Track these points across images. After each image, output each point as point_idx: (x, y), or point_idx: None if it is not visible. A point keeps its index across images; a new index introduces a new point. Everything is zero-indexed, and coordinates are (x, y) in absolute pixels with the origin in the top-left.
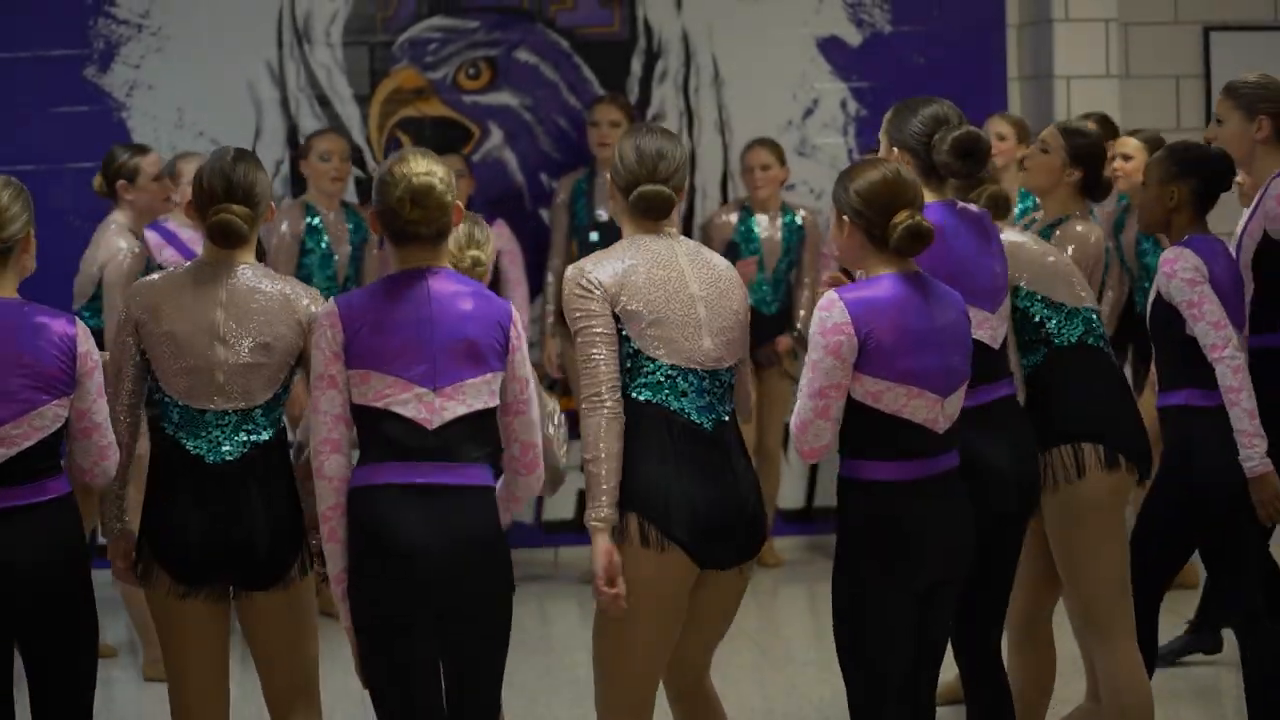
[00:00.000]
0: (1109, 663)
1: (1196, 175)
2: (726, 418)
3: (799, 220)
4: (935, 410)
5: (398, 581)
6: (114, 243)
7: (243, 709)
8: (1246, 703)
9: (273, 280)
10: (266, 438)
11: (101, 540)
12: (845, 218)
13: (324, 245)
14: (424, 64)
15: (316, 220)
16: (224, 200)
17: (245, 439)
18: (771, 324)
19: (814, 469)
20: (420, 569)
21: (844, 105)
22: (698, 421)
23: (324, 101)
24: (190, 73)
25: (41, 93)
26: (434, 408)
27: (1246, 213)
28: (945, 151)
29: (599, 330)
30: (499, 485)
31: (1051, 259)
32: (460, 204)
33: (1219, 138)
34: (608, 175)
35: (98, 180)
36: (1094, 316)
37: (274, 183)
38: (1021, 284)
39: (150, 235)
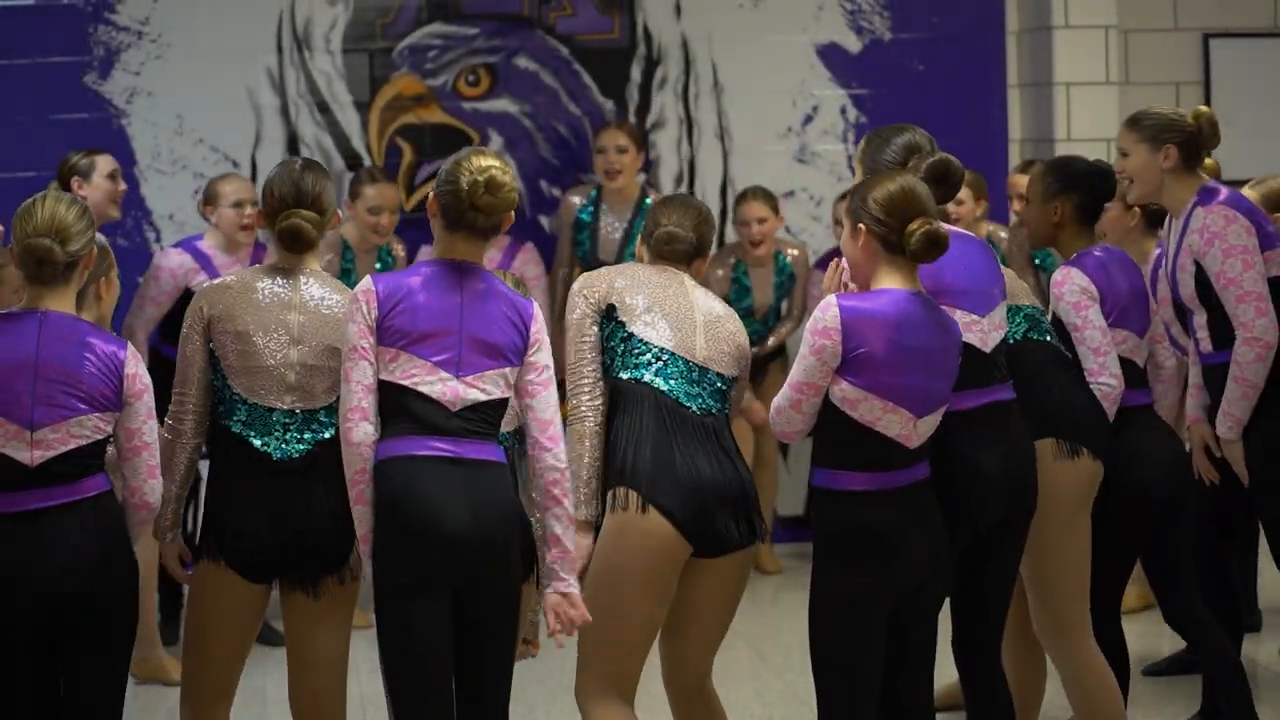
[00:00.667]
0: (1074, 664)
1: (1077, 189)
2: (717, 414)
3: (789, 261)
4: (908, 427)
5: (419, 544)
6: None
7: (241, 714)
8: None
9: (338, 289)
10: (329, 435)
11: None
12: (862, 226)
13: (351, 283)
14: (424, 71)
15: (349, 263)
16: (293, 206)
17: (311, 436)
18: (763, 360)
19: None
20: (445, 530)
21: (844, 112)
22: (686, 405)
23: (324, 108)
24: (190, 80)
25: (41, 99)
26: (456, 392)
27: (1172, 242)
28: (919, 178)
29: (589, 340)
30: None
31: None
32: (512, 215)
33: (1125, 169)
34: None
35: (53, 185)
36: (1035, 312)
37: None
38: None
39: (183, 258)
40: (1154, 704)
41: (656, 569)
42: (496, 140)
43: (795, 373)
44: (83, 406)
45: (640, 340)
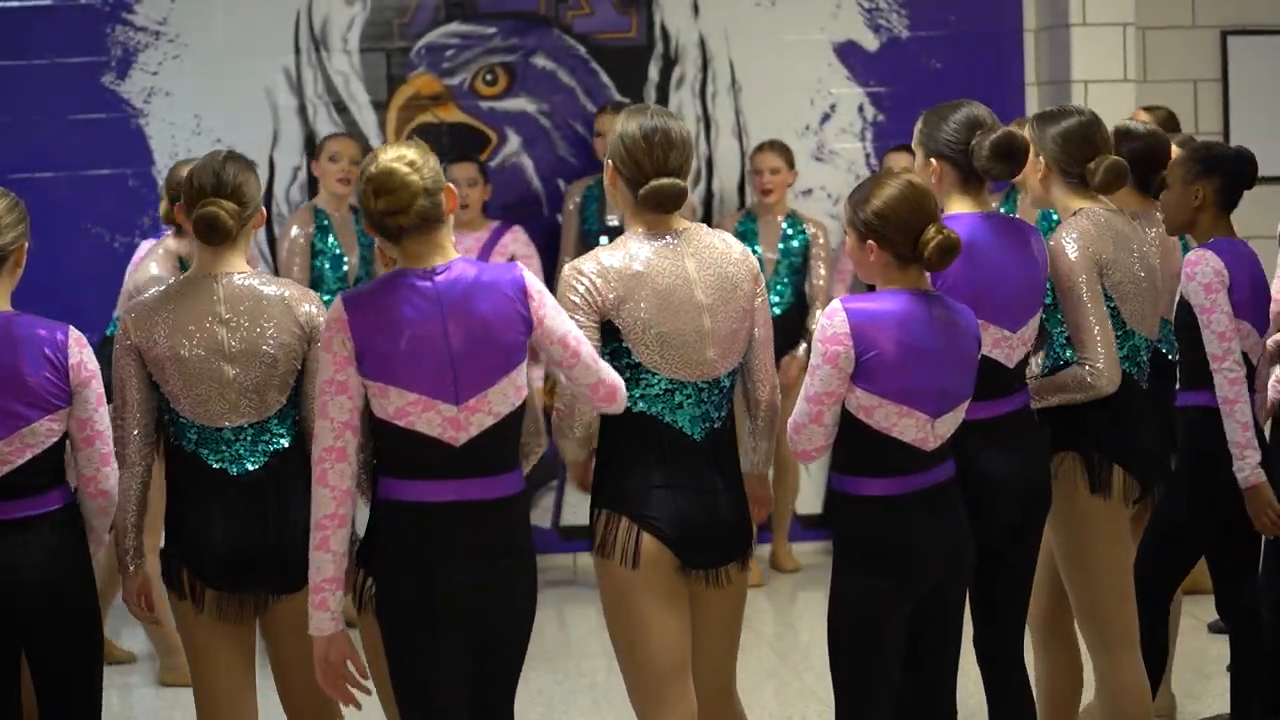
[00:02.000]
0: (1107, 669)
1: (1220, 173)
2: (719, 424)
3: (804, 231)
4: (925, 430)
5: (427, 599)
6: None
7: None
8: (1231, 694)
9: (267, 283)
10: (285, 444)
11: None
12: (871, 242)
13: (334, 248)
14: (441, 70)
15: (326, 223)
16: (213, 196)
17: (265, 448)
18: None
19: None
20: (449, 587)
21: (861, 110)
22: (689, 433)
23: (341, 108)
24: (208, 80)
25: (59, 100)
26: (459, 424)
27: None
28: (985, 156)
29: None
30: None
31: (1148, 281)
32: (453, 188)
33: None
34: (610, 190)
35: (163, 207)
36: (1141, 343)
37: (291, 189)
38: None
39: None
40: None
41: (656, 583)
42: (514, 139)
43: (810, 385)
44: (35, 413)
45: (648, 371)
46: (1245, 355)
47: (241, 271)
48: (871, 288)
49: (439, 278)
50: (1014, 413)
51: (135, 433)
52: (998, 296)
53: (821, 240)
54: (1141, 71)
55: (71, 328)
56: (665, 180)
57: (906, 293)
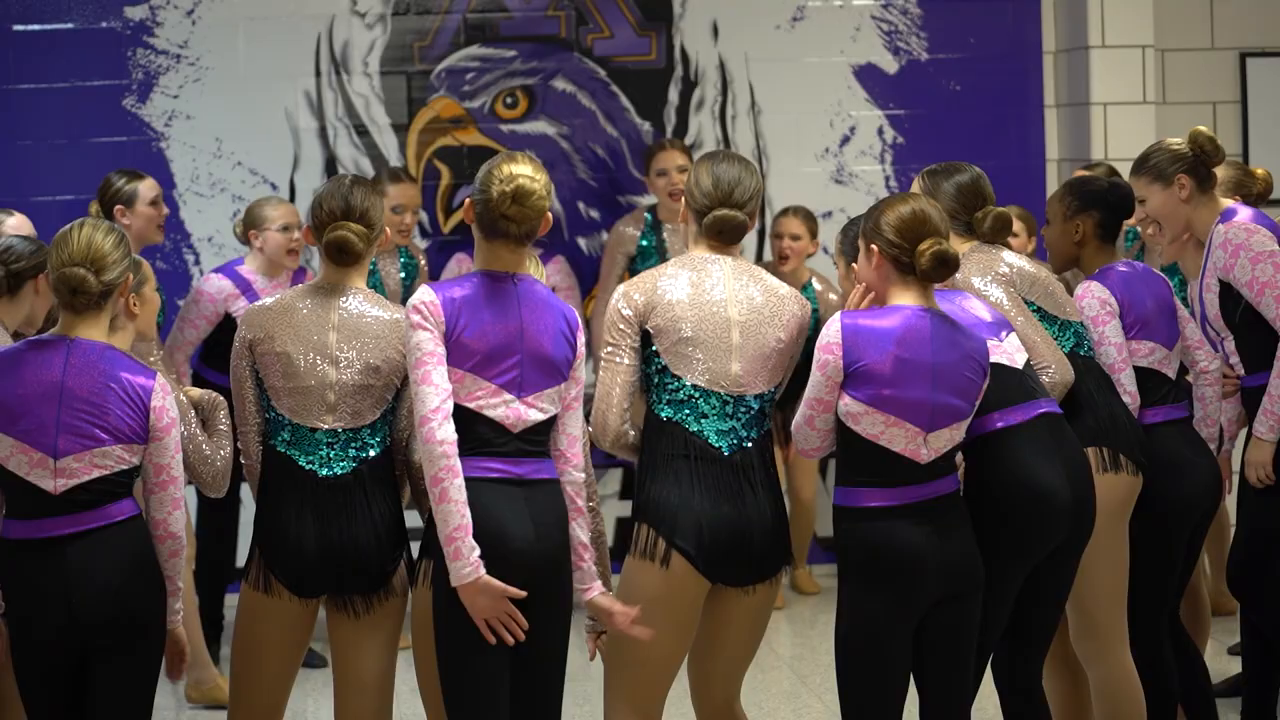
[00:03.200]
0: (1104, 671)
1: (1097, 207)
2: (749, 444)
3: (816, 298)
4: (915, 442)
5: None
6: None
7: None
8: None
9: (383, 306)
10: (374, 454)
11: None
12: (874, 248)
13: (374, 284)
14: (461, 93)
15: (370, 266)
16: (342, 220)
17: (355, 454)
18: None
19: None
20: (504, 550)
21: (880, 133)
22: (715, 445)
23: (362, 131)
24: (229, 103)
25: (80, 123)
26: (519, 414)
27: (1202, 268)
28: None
29: (625, 362)
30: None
31: (1043, 275)
32: (550, 217)
33: (1149, 214)
34: (680, 226)
35: (93, 206)
36: (1082, 329)
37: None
38: (1028, 298)
39: (223, 282)
40: None
41: (675, 605)
42: None
43: (807, 389)
44: (106, 438)
45: (673, 375)
46: (1157, 373)
47: (360, 289)
48: None
49: (520, 284)
50: (1046, 415)
51: (254, 430)
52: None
53: (824, 297)
54: (1160, 93)
55: (159, 375)
56: (726, 211)
57: (911, 308)
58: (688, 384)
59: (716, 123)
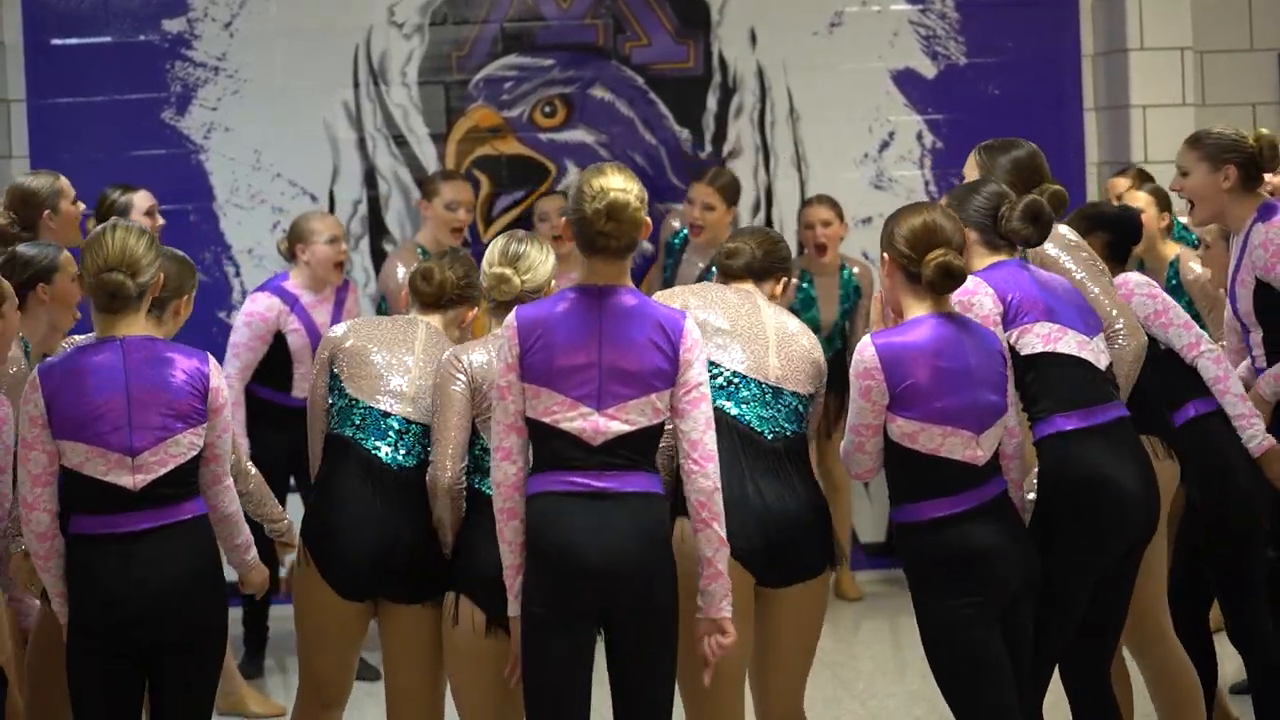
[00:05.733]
0: (1159, 658)
1: (1106, 230)
2: (790, 435)
3: (853, 274)
4: (971, 446)
5: (560, 580)
6: None
7: None
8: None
9: (443, 348)
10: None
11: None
12: (886, 256)
13: None
14: (500, 102)
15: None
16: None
17: (422, 451)
18: (834, 360)
19: None
20: (585, 566)
21: (920, 138)
22: (759, 430)
23: (401, 141)
24: (267, 114)
25: (120, 136)
26: (598, 427)
27: (1233, 260)
28: (1017, 219)
29: None
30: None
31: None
32: (649, 222)
33: (1185, 188)
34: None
35: (90, 222)
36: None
37: (352, 223)
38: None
39: (271, 300)
40: None
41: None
42: (573, 170)
43: (850, 416)
44: (177, 424)
45: (712, 363)
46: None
47: (435, 327)
48: None
49: (607, 298)
50: (1122, 419)
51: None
52: (1059, 304)
53: (865, 276)
54: (1200, 95)
55: (209, 355)
56: (736, 244)
57: (931, 317)
58: (727, 370)
59: (755, 130)
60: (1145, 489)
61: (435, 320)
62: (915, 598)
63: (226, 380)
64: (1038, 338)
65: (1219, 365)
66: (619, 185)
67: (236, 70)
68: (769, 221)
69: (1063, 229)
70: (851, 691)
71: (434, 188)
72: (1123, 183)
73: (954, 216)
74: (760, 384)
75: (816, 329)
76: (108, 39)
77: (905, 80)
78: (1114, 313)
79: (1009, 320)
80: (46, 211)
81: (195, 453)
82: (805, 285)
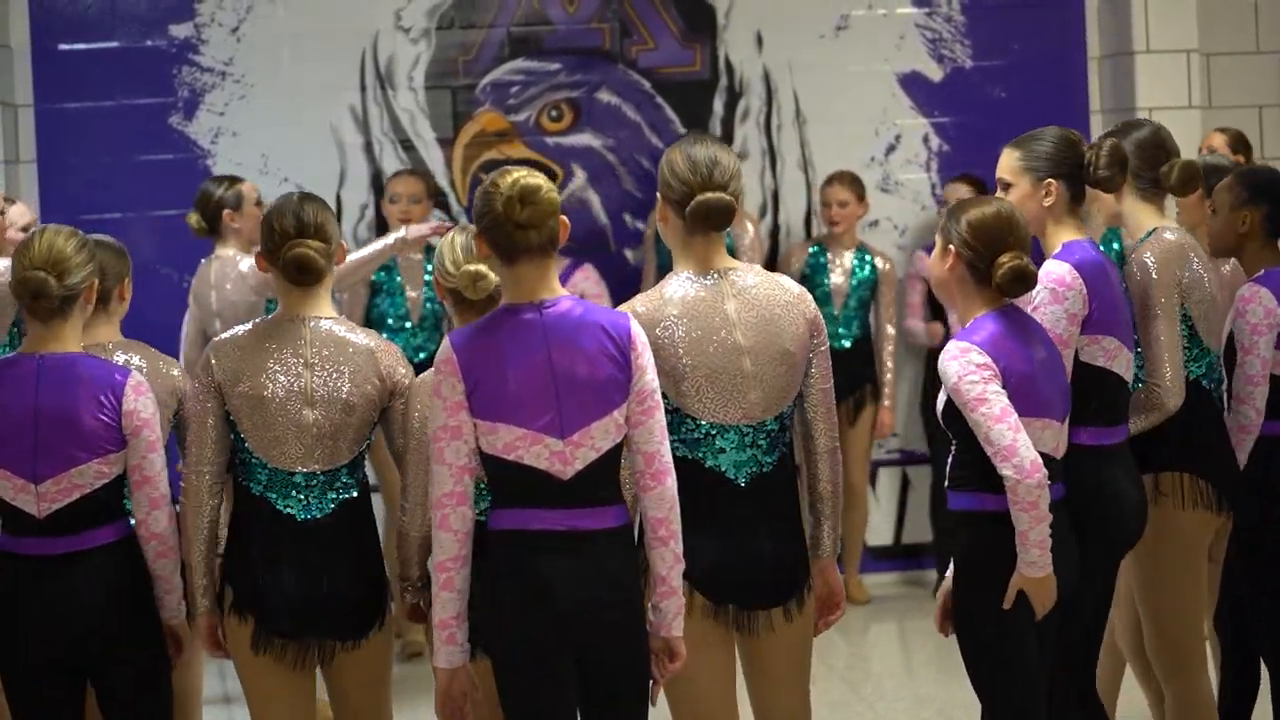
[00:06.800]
0: (1178, 695)
1: (1268, 200)
2: (768, 469)
3: (875, 264)
4: (1059, 437)
5: (537, 624)
6: (237, 264)
7: None
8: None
9: (354, 332)
10: (354, 495)
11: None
12: (952, 248)
13: (398, 287)
14: (506, 106)
15: (391, 261)
16: (297, 237)
17: (335, 497)
18: (843, 359)
19: (902, 507)
20: (559, 611)
21: (926, 140)
22: (732, 477)
23: (408, 145)
24: (274, 119)
25: (127, 141)
26: (565, 458)
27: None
28: (1104, 165)
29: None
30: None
31: (1220, 300)
32: (565, 220)
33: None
34: (661, 226)
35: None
36: (1215, 360)
37: (359, 226)
38: (1185, 305)
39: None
40: None
41: (692, 621)
42: (580, 175)
43: (990, 409)
44: (82, 455)
45: (688, 415)
46: None
47: (329, 316)
48: (937, 314)
49: (547, 311)
50: (1129, 438)
51: (207, 470)
52: (1123, 314)
53: (889, 273)
54: (1206, 98)
55: (134, 373)
56: (710, 194)
57: (997, 314)
58: (705, 424)
59: (762, 133)
60: (1140, 498)
61: (323, 304)
62: (960, 586)
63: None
64: (1103, 351)
65: (1241, 433)
66: (524, 173)
67: (243, 75)
68: (775, 224)
69: (1191, 266)
70: (860, 695)
71: (386, 186)
72: (1219, 138)
73: (1020, 211)
74: (737, 429)
75: (829, 299)
76: (115, 44)
77: (911, 83)
78: (1168, 372)
79: (1086, 324)
80: (228, 211)
81: (105, 481)
82: (818, 254)
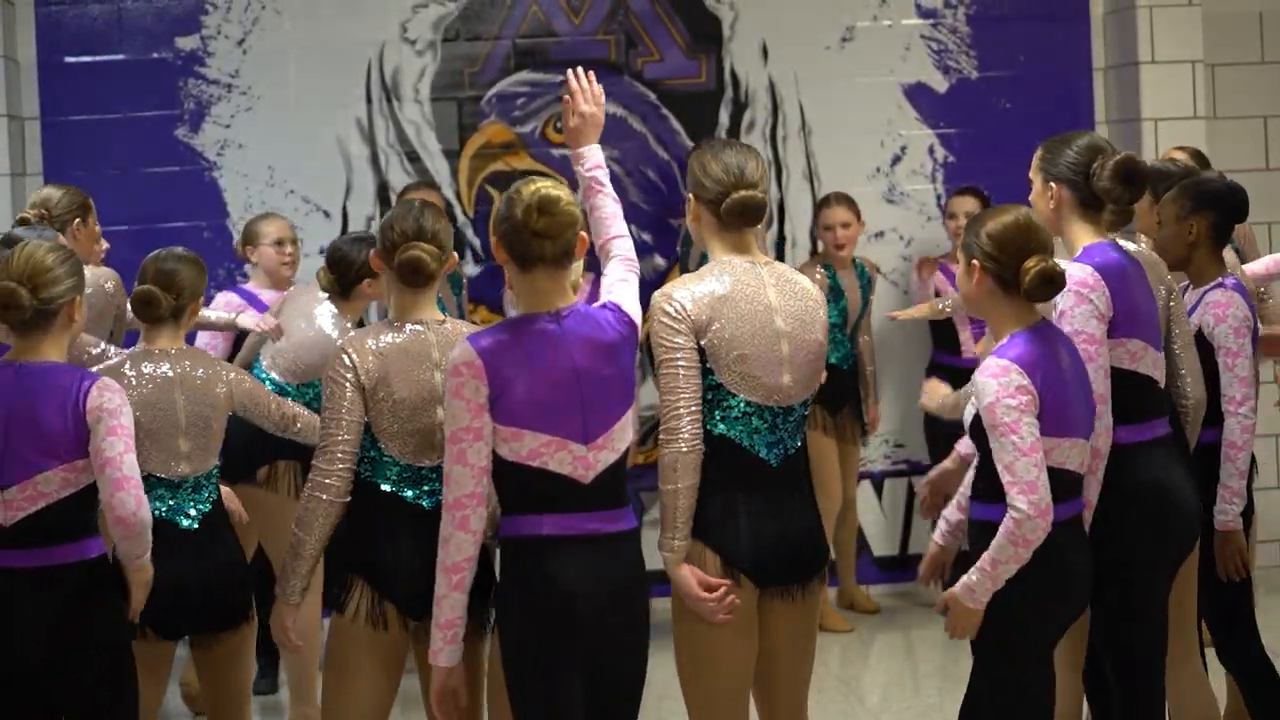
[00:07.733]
0: (1175, 682)
1: (1214, 208)
2: (794, 451)
3: (863, 265)
4: (1085, 454)
5: (557, 627)
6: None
7: None
8: None
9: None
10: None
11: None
12: (975, 262)
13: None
14: (512, 118)
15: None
16: (414, 239)
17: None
18: (840, 377)
19: (907, 518)
20: (579, 614)
21: (931, 151)
22: (765, 458)
23: (414, 157)
24: (280, 131)
25: (133, 153)
26: (588, 462)
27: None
28: (1107, 178)
29: (682, 364)
30: None
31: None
32: (584, 235)
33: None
34: (694, 227)
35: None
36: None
37: None
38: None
39: (230, 297)
40: None
41: (737, 612)
42: None
43: (1019, 446)
44: (48, 461)
45: (729, 393)
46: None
47: (440, 320)
48: (947, 322)
49: (565, 321)
50: (1170, 435)
51: (341, 463)
52: (1149, 316)
53: (874, 270)
54: (1211, 108)
55: (103, 378)
56: (744, 192)
57: (1029, 333)
58: (743, 401)
59: (767, 144)
60: (1197, 504)
61: (431, 303)
62: (1003, 600)
63: None
64: (1128, 353)
65: (1244, 435)
66: (548, 184)
67: (250, 87)
68: (781, 235)
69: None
70: (865, 705)
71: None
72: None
73: (1038, 216)
74: (771, 409)
75: (844, 319)
76: (121, 56)
77: (917, 94)
78: (1193, 375)
79: (1111, 327)
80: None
81: (71, 492)
82: (832, 278)
